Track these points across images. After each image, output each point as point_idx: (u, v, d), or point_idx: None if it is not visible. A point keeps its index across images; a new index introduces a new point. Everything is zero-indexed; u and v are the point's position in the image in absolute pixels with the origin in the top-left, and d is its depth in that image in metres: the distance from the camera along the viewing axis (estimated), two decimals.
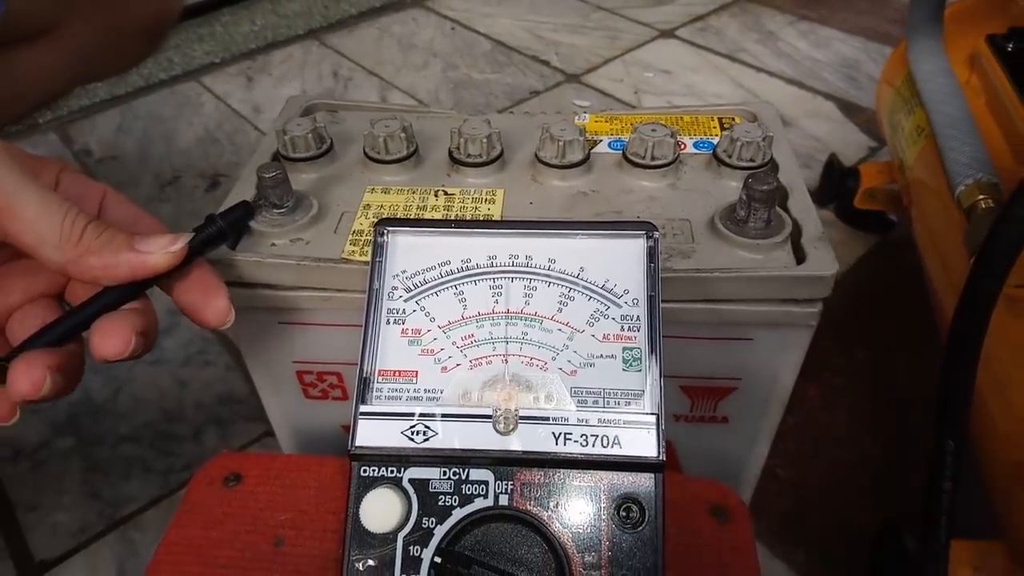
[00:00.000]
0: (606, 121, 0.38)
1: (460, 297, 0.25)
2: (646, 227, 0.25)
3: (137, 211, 0.30)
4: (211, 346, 0.58)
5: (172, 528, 0.29)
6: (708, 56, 0.92)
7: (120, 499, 0.48)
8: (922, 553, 0.35)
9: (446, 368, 0.25)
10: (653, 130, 0.33)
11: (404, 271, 0.26)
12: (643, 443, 0.23)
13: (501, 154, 0.34)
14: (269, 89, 0.91)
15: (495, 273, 0.26)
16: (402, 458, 0.23)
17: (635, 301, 0.25)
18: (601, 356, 0.24)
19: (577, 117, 0.38)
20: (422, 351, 0.25)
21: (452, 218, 0.32)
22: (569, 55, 0.94)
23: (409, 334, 0.25)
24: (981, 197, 0.38)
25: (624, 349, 0.24)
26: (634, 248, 0.25)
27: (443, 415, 0.24)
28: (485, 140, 0.34)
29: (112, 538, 0.46)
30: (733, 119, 0.37)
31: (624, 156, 0.34)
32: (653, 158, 0.33)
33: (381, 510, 0.23)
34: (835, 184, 0.64)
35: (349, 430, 0.36)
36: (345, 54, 0.97)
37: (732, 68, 0.89)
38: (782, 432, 0.51)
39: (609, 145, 0.36)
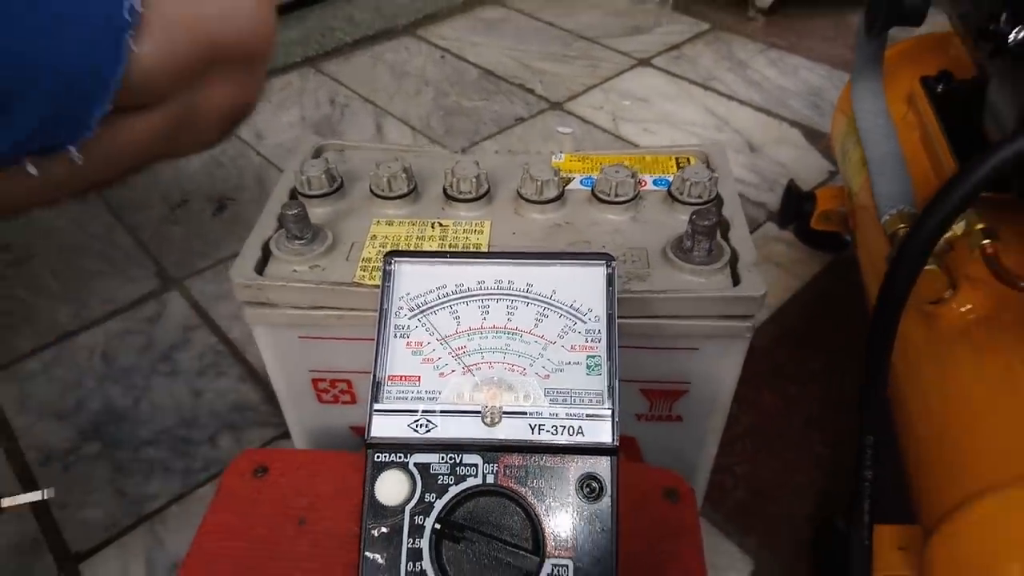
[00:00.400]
0: (579, 160, 0.43)
1: (455, 315, 0.31)
2: (606, 258, 0.31)
3: None
4: (223, 359, 0.63)
5: (210, 512, 0.34)
6: (682, 84, 0.98)
7: (144, 497, 0.53)
8: (850, 536, 0.40)
9: (443, 374, 0.30)
10: (617, 171, 0.39)
11: (408, 293, 0.32)
12: (602, 432, 0.28)
13: (488, 191, 0.40)
14: (269, 116, 0.97)
15: (483, 295, 0.31)
16: (408, 446, 0.29)
17: (597, 318, 0.30)
18: (569, 363, 0.30)
19: (554, 157, 0.44)
20: (423, 360, 0.30)
21: (447, 247, 0.37)
22: (552, 83, 1.01)
23: (413, 346, 0.31)
24: (901, 226, 0.44)
25: (588, 357, 0.30)
26: (596, 275, 0.31)
27: (441, 411, 0.29)
28: (474, 179, 0.39)
29: (140, 531, 0.51)
30: (688, 159, 0.43)
31: (593, 193, 0.40)
32: (616, 195, 0.39)
33: (392, 488, 0.28)
34: (794, 207, 0.70)
35: (357, 430, 0.42)
36: (341, 81, 1.03)
37: (705, 96, 0.96)
38: (740, 434, 0.57)
39: (581, 182, 0.42)
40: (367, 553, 0.28)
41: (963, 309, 0.40)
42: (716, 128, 0.89)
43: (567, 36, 1.11)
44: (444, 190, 0.40)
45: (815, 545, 0.48)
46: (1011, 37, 0.37)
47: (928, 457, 0.40)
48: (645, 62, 1.04)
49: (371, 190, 0.40)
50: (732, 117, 0.91)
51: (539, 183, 0.39)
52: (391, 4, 1.17)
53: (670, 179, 0.41)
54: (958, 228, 0.39)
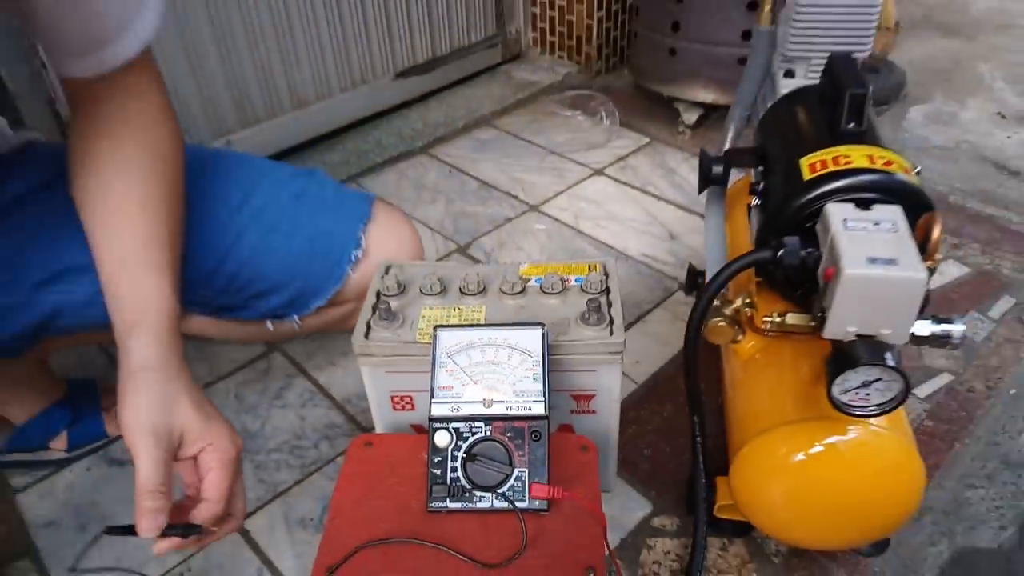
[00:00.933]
0: (534, 268, 0.76)
1: (468, 356, 0.63)
2: (542, 326, 0.63)
3: (218, 490, 0.56)
4: (316, 396, 0.95)
5: (343, 469, 0.66)
6: (626, 189, 1.32)
7: (277, 482, 0.84)
8: (693, 486, 0.71)
9: (464, 384, 0.62)
10: (553, 276, 0.71)
11: (445, 345, 0.64)
12: (539, 408, 0.60)
13: (484, 289, 0.72)
14: None
15: (483, 345, 0.63)
16: (449, 418, 0.60)
17: (538, 355, 0.62)
18: (524, 378, 0.62)
19: (520, 266, 0.76)
20: (454, 377, 0.62)
21: (463, 321, 0.70)
22: (531, 190, 1.35)
23: (448, 371, 0.62)
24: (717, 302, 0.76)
25: (533, 375, 0.62)
26: (537, 334, 0.63)
27: (463, 402, 0.61)
28: (476, 283, 0.72)
29: (276, 503, 0.82)
30: (595, 267, 0.76)
31: (540, 288, 0.72)
32: (552, 290, 0.71)
33: (442, 438, 0.60)
34: (692, 280, 1.03)
35: (416, 427, 0.75)
36: (377, 193, 1.37)
37: (642, 198, 1.30)
38: (649, 430, 0.88)
39: (535, 281, 0.74)
40: (432, 471, 0.59)
41: (748, 346, 0.72)
42: (647, 223, 1.22)
43: (542, 151, 1.46)
44: (460, 289, 0.72)
45: (687, 490, 0.79)
46: (753, 201, 0.70)
47: (733, 423, 0.72)
48: (599, 172, 1.38)
49: (420, 290, 0.72)
50: (660, 214, 1.24)
51: (511, 283, 0.71)
52: (409, 129, 1.53)
53: (583, 278, 0.73)
54: (739, 302, 0.71)
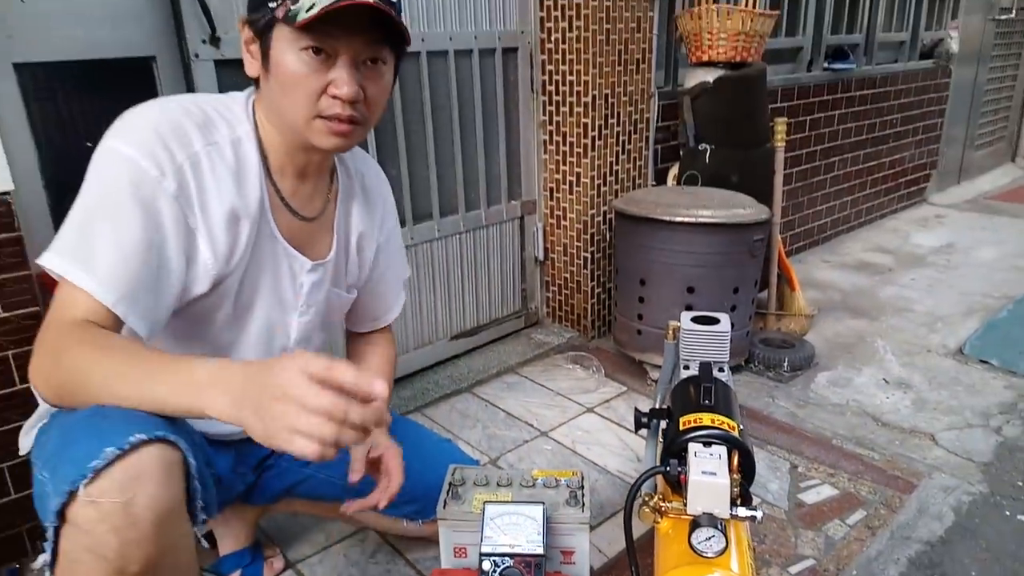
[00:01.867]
0: (540, 472, 1.28)
1: (502, 519, 1.13)
2: (543, 504, 1.14)
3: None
4: (397, 557, 1.42)
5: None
6: (608, 423, 1.87)
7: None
8: None
9: (499, 535, 1.11)
10: (550, 478, 1.24)
11: (489, 513, 1.14)
12: (540, 550, 1.09)
13: (511, 483, 1.25)
14: None
15: (510, 514, 1.14)
16: (490, 554, 1.09)
17: (540, 521, 1.13)
18: (534, 534, 1.12)
19: (534, 469, 1.29)
20: (493, 531, 1.12)
21: (499, 500, 1.21)
22: (543, 421, 1.89)
23: (490, 526, 1.13)
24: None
25: (537, 532, 1.12)
26: (540, 509, 1.14)
27: (498, 544, 1.10)
28: (506, 479, 1.24)
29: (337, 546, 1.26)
30: (576, 472, 1.28)
31: (543, 484, 1.24)
32: (550, 485, 1.23)
33: (487, 565, 1.09)
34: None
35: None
36: (435, 420, 1.92)
37: (618, 430, 1.83)
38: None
39: (541, 480, 1.26)
40: None
41: (664, 524, 1.21)
42: (622, 448, 1.74)
43: (551, 393, 2.03)
44: (496, 482, 1.25)
45: None
46: (660, 437, 1.25)
47: (655, 570, 1.19)
48: (590, 409, 1.94)
49: (473, 483, 1.25)
50: (630, 442, 1.77)
51: (526, 481, 1.24)
52: (458, 375, 2.12)
53: (569, 479, 1.25)
54: (656, 498, 1.22)
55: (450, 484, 1.25)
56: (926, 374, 2.15)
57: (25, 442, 1.05)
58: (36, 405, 1.20)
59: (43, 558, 0.77)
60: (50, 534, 0.75)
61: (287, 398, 0.66)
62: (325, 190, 1.08)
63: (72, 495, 0.73)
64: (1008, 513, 1.51)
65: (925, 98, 3.94)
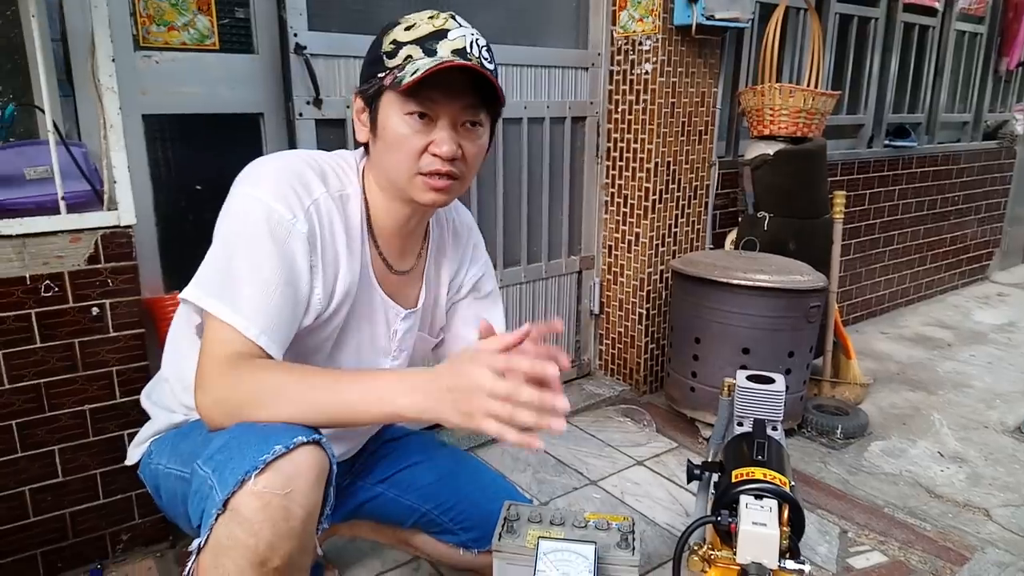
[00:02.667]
0: (593, 515, 1.33)
1: (555, 555, 1.18)
2: (594, 543, 1.18)
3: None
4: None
5: None
6: (658, 477, 1.89)
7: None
8: None
9: (551, 570, 1.16)
10: (599, 522, 1.28)
11: (543, 549, 1.19)
12: None
13: (564, 522, 1.29)
14: None
15: (562, 551, 1.19)
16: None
17: (591, 559, 1.17)
18: (584, 570, 1.16)
19: (586, 512, 1.34)
20: (546, 565, 1.17)
21: (552, 537, 1.26)
22: (592, 470, 1.93)
23: (543, 562, 1.17)
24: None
25: (588, 569, 1.16)
26: (591, 548, 1.18)
27: None
28: (560, 517, 1.29)
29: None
30: (627, 518, 1.32)
31: (595, 526, 1.28)
32: (602, 527, 1.27)
33: None
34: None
35: None
36: (487, 461, 1.97)
37: (668, 484, 1.85)
38: None
39: (593, 522, 1.30)
40: None
41: (711, 573, 1.23)
42: (671, 502, 1.76)
43: (601, 443, 2.07)
44: (550, 520, 1.29)
45: None
46: (712, 485, 1.27)
47: None
48: (640, 463, 1.97)
49: (528, 519, 1.30)
50: (680, 496, 1.78)
51: (580, 521, 1.28)
52: None
53: (619, 524, 1.29)
54: (705, 547, 1.24)
55: (505, 519, 1.30)
56: (982, 450, 2.10)
57: (134, 453, 1.15)
58: (138, 419, 1.32)
59: (197, 542, 0.85)
60: (212, 520, 0.82)
61: (478, 388, 0.82)
62: (418, 247, 1.17)
63: (242, 483, 0.81)
64: None
65: (988, 177, 3.91)
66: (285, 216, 0.95)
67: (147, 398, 1.18)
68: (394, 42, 0.97)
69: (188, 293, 0.93)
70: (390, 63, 0.97)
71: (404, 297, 1.16)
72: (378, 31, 1.02)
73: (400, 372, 0.93)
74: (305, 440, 0.84)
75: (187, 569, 0.86)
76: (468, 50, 0.96)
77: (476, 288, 1.27)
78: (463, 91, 0.96)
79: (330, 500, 0.91)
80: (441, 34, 0.96)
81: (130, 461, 1.16)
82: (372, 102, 1.00)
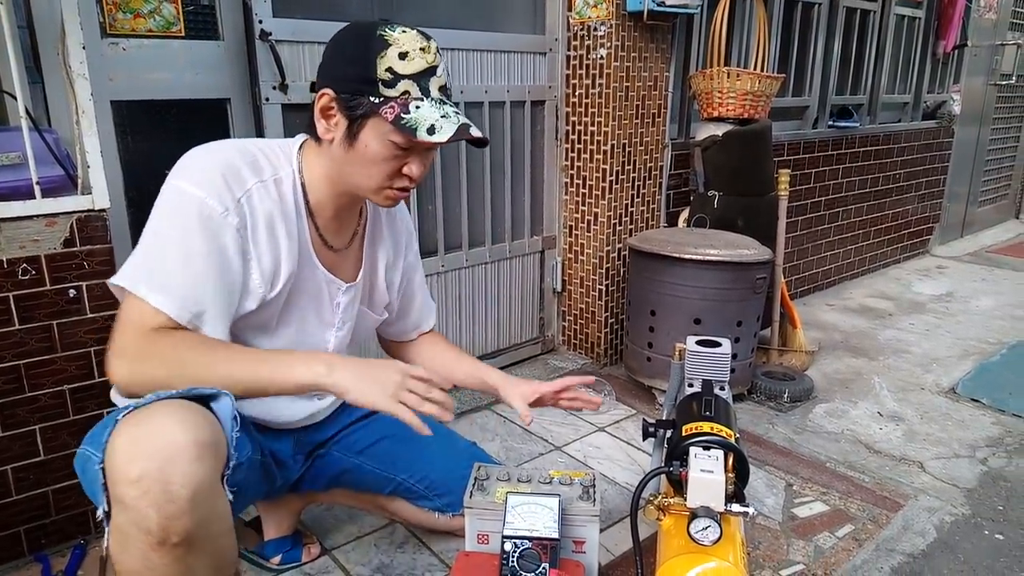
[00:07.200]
0: (557, 472, 1.42)
1: (523, 508, 1.27)
2: (559, 496, 1.27)
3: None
4: (422, 547, 1.54)
5: (453, 568, 1.27)
6: (617, 441, 1.99)
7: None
8: None
9: (519, 521, 1.25)
10: (562, 478, 1.37)
11: (511, 503, 1.27)
12: (555, 535, 1.23)
13: (530, 479, 1.38)
14: None
15: (529, 504, 1.27)
16: (512, 536, 1.23)
17: (556, 511, 1.26)
18: (550, 521, 1.25)
19: (551, 470, 1.43)
20: (515, 518, 1.26)
21: (516, 491, 1.35)
22: (557, 437, 2.02)
23: (512, 514, 1.26)
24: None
25: (553, 519, 1.25)
26: (556, 500, 1.27)
27: (517, 529, 1.23)
28: (527, 476, 1.38)
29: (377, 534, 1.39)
30: (588, 473, 1.42)
31: (559, 482, 1.37)
32: (565, 481, 1.36)
33: (508, 547, 1.22)
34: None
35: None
36: (458, 432, 2.06)
37: (626, 447, 1.95)
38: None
39: (557, 479, 1.40)
40: (503, 562, 1.21)
41: (666, 522, 1.34)
42: (629, 463, 1.86)
43: (565, 413, 2.17)
44: (517, 479, 1.38)
45: None
46: (665, 440, 1.38)
47: (657, 561, 1.31)
48: (601, 429, 2.06)
49: (497, 478, 1.38)
50: (638, 457, 1.89)
51: (545, 478, 1.37)
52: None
53: (581, 479, 1.39)
54: (659, 497, 1.35)
55: (475, 479, 1.39)
56: (918, 409, 2.26)
57: None
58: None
59: (107, 530, 0.88)
60: (102, 498, 0.86)
61: (401, 375, 1.01)
62: (354, 224, 1.25)
63: (109, 455, 0.84)
64: (987, 532, 1.62)
65: (928, 156, 4.11)
66: (216, 209, 1.00)
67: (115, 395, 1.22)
68: (390, 71, 1.01)
69: (120, 279, 0.98)
70: (387, 92, 1.01)
71: (344, 271, 1.24)
72: (347, 20, 1.08)
73: (325, 354, 1.07)
74: (186, 412, 0.85)
75: (103, 551, 0.89)
76: (447, 86, 1.07)
77: (410, 257, 1.41)
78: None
79: (237, 452, 0.93)
80: (432, 71, 1.03)
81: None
82: (356, 118, 1.03)
